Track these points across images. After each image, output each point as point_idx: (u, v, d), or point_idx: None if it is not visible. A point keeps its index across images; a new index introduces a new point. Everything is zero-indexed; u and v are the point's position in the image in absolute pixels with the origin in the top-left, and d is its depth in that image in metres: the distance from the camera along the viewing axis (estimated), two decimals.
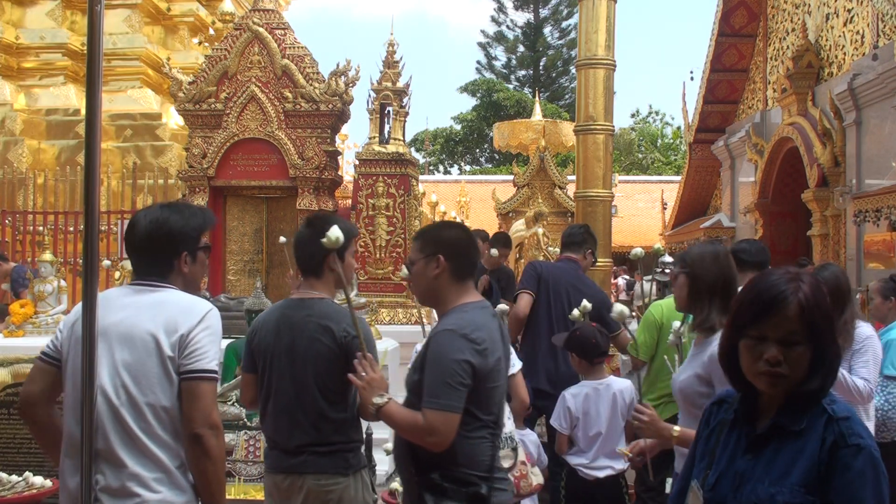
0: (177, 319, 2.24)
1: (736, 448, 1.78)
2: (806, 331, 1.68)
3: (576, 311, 4.27)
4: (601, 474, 3.88)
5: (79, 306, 2.28)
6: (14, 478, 4.30)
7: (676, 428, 2.74)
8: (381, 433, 5.22)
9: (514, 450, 3.45)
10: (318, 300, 2.86)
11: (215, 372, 2.27)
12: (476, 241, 2.81)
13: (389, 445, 3.67)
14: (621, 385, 4.00)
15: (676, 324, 4.31)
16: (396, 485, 4.68)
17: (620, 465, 3.89)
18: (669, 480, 3.86)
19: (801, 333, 1.68)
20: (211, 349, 2.26)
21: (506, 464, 3.30)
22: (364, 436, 4.37)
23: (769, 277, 1.76)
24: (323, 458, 2.77)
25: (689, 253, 3.06)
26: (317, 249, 2.77)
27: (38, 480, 4.29)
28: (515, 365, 3.62)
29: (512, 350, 3.54)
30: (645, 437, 2.87)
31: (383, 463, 5.43)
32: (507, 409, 3.52)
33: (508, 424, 3.47)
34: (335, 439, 2.79)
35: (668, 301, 4.91)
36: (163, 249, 2.36)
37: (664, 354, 4.53)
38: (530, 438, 3.95)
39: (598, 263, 6.22)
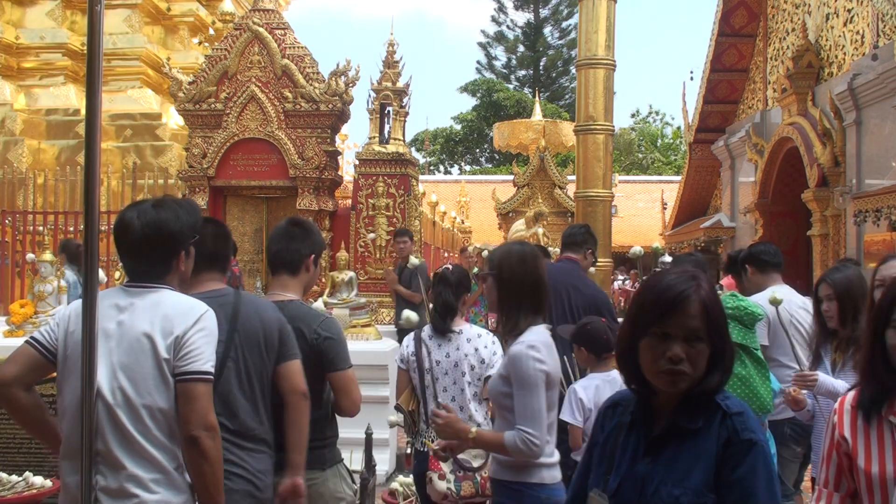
0: (172, 321, 2.23)
1: (636, 451, 1.76)
2: (707, 328, 1.70)
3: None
4: None
5: (76, 303, 2.28)
6: (14, 478, 4.31)
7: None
8: (381, 433, 5.22)
9: None
10: (287, 302, 2.86)
11: (211, 373, 2.26)
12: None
13: (393, 418, 3.73)
14: None
15: None
16: (396, 485, 4.68)
17: None
18: None
19: (702, 331, 1.70)
20: (206, 350, 2.25)
21: (476, 463, 3.34)
22: (364, 435, 4.39)
23: (667, 277, 1.77)
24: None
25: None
26: (302, 247, 2.86)
27: (38, 480, 4.30)
28: (497, 366, 3.61)
29: (498, 349, 3.55)
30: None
31: (383, 463, 5.43)
32: (482, 408, 3.55)
33: (481, 422, 3.49)
34: (311, 437, 2.79)
35: None
36: (163, 252, 2.35)
37: None
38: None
39: (598, 263, 6.22)
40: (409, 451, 3.68)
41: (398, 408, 3.58)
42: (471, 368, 3.52)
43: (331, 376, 2.85)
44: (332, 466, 2.90)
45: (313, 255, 2.96)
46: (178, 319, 2.24)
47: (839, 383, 3.21)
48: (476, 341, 3.56)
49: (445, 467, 3.36)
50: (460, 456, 3.33)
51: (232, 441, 2.52)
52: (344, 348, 2.87)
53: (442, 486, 3.34)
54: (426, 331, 3.60)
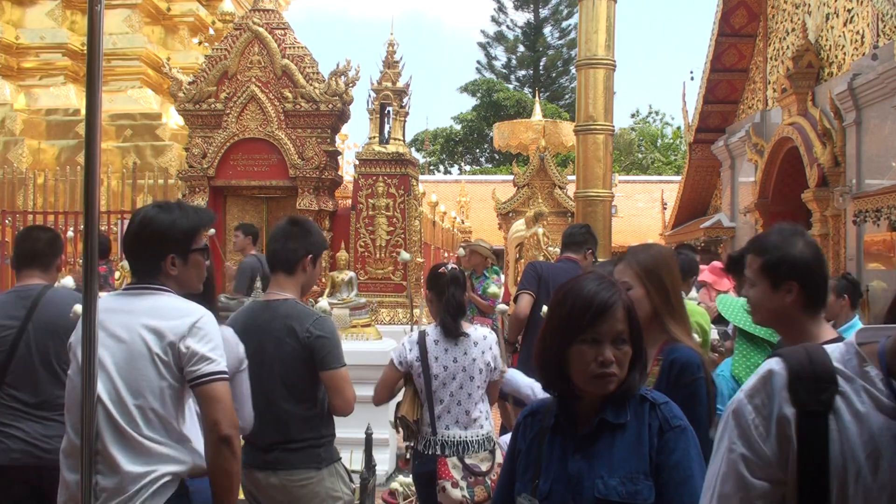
0: (169, 325, 2.23)
1: (564, 452, 1.82)
2: (629, 331, 1.79)
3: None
4: None
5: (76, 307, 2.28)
6: None
7: None
8: (381, 433, 5.22)
9: (492, 452, 3.44)
10: (282, 301, 2.89)
11: (227, 372, 2.27)
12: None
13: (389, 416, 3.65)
14: None
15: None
16: (396, 485, 4.69)
17: None
18: None
19: (626, 334, 1.79)
20: (215, 351, 2.25)
21: (483, 467, 3.35)
22: (364, 435, 4.39)
23: (589, 285, 1.83)
24: (293, 455, 2.83)
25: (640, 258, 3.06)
26: (299, 247, 2.88)
27: None
28: (500, 368, 3.58)
29: (497, 350, 3.54)
30: None
31: (383, 463, 5.43)
32: (485, 410, 3.51)
33: (486, 425, 3.47)
34: (306, 436, 2.84)
35: None
36: (147, 251, 2.33)
37: None
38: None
39: (597, 263, 6.22)
40: (407, 455, 3.63)
41: (402, 419, 3.47)
42: (479, 372, 3.45)
43: (323, 375, 2.85)
44: (328, 465, 2.89)
45: (311, 256, 2.95)
46: (174, 323, 2.24)
47: (523, 383, 3.15)
48: (482, 344, 3.49)
49: (456, 474, 3.33)
50: (468, 461, 3.35)
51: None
52: (337, 347, 2.88)
53: (457, 493, 3.31)
54: (431, 334, 3.48)
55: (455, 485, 3.32)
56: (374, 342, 6.15)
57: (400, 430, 3.56)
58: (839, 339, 2.25)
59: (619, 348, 1.78)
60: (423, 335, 3.49)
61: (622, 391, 1.80)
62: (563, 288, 1.88)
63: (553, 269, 5.20)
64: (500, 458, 3.44)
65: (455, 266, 3.66)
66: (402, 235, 8.20)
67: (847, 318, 4.66)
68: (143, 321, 2.24)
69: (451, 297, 3.47)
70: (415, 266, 8.04)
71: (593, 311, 1.78)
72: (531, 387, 3.23)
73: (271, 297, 2.91)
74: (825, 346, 1.29)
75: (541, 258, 10.16)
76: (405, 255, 6.45)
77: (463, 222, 20.63)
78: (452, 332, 3.44)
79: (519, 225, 12.52)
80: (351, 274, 6.71)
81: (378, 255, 8.22)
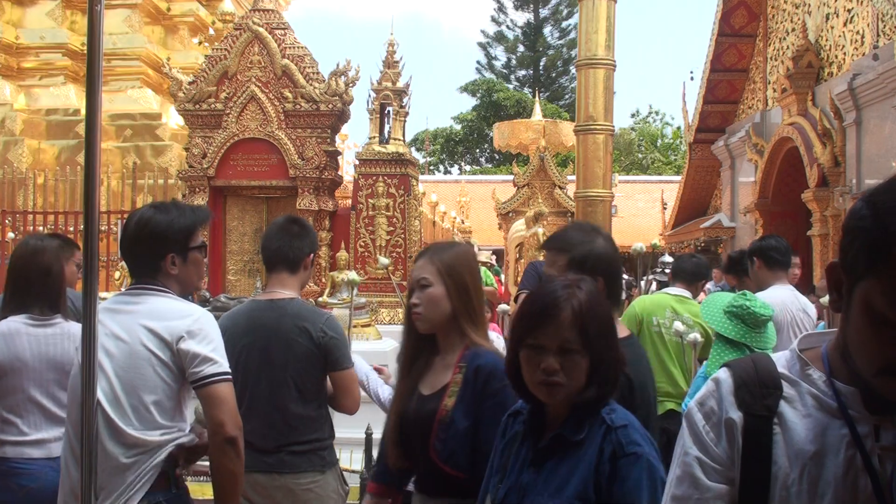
0: (168, 326, 2.24)
1: (524, 461, 1.76)
2: (581, 339, 1.67)
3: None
4: None
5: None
6: None
7: None
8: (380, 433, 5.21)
9: None
10: (288, 301, 2.86)
11: (230, 372, 2.27)
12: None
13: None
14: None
15: (678, 325, 4.34)
16: None
17: None
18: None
19: (575, 341, 1.66)
20: (216, 351, 2.26)
21: None
22: (364, 435, 4.39)
23: (548, 286, 1.76)
24: (299, 457, 2.80)
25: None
26: (304, 245, 2.88)
27: None
28: None
29: (501, 343, 3.57)
30: None
31: None
32: None
33: None
34: (311, 437, 2.82)
35: (652, 297, 4.92)
36: (146, 251, 2.34)
37: (647, 349, 4.55)
38: None
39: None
40: None
41: None
42: None
43: (334, 375, 2.85)
44: (331, 468, 2.89)
45: (312, 254, 2.97)
46: (173, 324, 2.24)
47: (361, 371, 3.09)
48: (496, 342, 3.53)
49: None
50: None
51: None
52: (347, 347, 2.90)
53: None
54: None
55: None
56: (374, 342, 6.15)
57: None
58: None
59: (566, 357, 1.67)
60: None
61: (581, 405, 1.70)
62: (536, 286, 1.83)
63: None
64: None
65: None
66: (402, 235, 8.20)
67: None
68: (143, 322, 2.24)
69: None
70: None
71: (536, 315, 1.70)
72: (367, 374, 3.12)
73: (275, 296, 2.88)
74: (771, 355, 1.32)
75: (541, 258, 10.16)
76: (383, 261, 6.35)
77: (463, 222, 20.63)
78: None
79: (519, 225, 12.52)
80: (352, 274, 6.71)
81: (378, 256, 8.22)
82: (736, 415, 1.24)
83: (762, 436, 1.22)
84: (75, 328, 2.98)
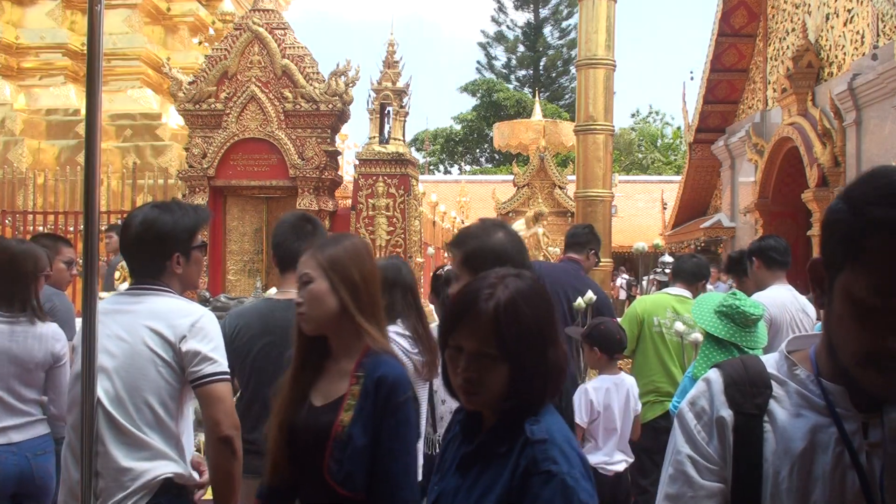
0: (170, 325, 2.24)
1: (454, 464, 1.66)
2: (498, 344, 1.51)
3: (580, 301, 4.31)
4: (620, 468, 3.93)
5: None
6: None
7: None
8: None
9: None
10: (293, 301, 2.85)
11: (228, 372, 2.28)
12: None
13: None
14: (631, 380, 4.06)
15: (679, 325, 4.34)
16: None
17: (630, 457, 3.96)
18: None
19: (492, 346, 1.51)
20: (216, 351, 2.27)
21: None
22: None
23: (475, 282, 1.62)
24: None
25: None
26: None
27: None
28: None
29: None
30: None
31: None
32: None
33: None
34: None
35: (653, 297, 4.93)
36: (153, 251, 2.35)
37: (647, 350, 4.55)
38: (627, 382, 3.97)
39: (598, 263, 6.23)
40: None
41: None
42: None
43: None
44: None
45: None
46: (175, 323, 2.25)
47: None
48: None
49: None
50: None
51: None
52: None
53: None
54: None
55: None
56: None
57: None
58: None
59: (481, 362, 1.52)
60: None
61: (510, 414, 1.56)
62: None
63: (551, 270, 5.20)
64: None
65: (451, 267, 3.67)
66: (402, 235, 8.20)
67: None
68: (145, 322, 2.25)
69: (445, 298, 3.51)
70: (415, 266, 8.04)
71: (456, 315, 1.57)
72: None
73: (281, 297, 2.86)
74: (760, 356, 1.33)
75: (541, 258, 10.17)
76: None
77: (463, 222, 20.63)
78: None
79: (519, 225, 12.53)
80: None
81: (378, 256, 8.22)
82: (727, 413, 1.25)
83: (753, 434, 1.23)
84: (44, 329, 3.13)
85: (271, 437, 2.05)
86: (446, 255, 15.45)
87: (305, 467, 2.01)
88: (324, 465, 1.95)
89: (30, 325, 3.12)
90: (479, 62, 43.75)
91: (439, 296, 3.58)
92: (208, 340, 2.25)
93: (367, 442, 1.95)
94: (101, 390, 2.19)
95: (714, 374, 1.31)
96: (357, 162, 8.57)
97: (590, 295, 4.33)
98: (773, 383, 1.26)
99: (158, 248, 2.34)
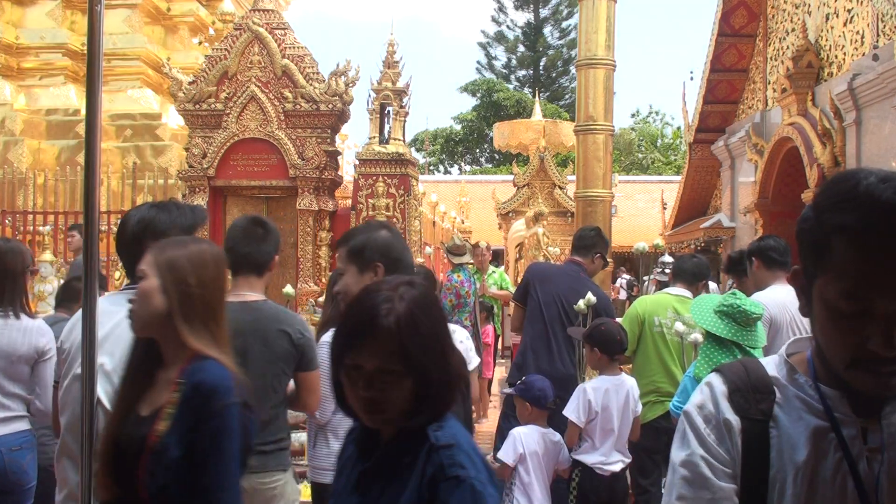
0: None
1: (353, 483, 1.58)
2: (402, 357, 1.46)
3: (581, 303, 4.34)
4: (616, 468, 3.94)
5: (76, 316, 2.29)
6: None
7: None
8: None
9: None
10: (262, 303, 2.89)
11: None
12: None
13: None
14: (631, 381, 4.06)
15: (679, 325, 4.34)
16: None
17: (627, 457, 3.97)
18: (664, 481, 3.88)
19: (395, 361, 1.45)
20: None
21: None
22: None
23: (367, 296, 1.53)
24: (266, 457, 2.82)
25: None
26: (271, 248, 2.91)
27: None
28: (472, 361, 3.74)
29: (469, 346, 3.69)
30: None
31: None
32: None
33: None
34: (277, 437, 2.88)
35: (653, 297, 4.93)
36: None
37: (648, 350, 4.55)
38: (552, 438, 3.97)
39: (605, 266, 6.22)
40: None
41: None
42: None
43: (305, 375, 2.90)
44: (290, 467, 2.96)
45: (277, 256, 3.01)
46: None
47: None
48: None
49: None
50: None
51: None
52: (315, 346, 2.98)
53: None
54: None
55: None
56: None
57: None
58: None
59: (385, 379, 1.46)
60: None
61: (405, 428, 1.50)
62: (357, 295, 1.60)
63: (549, 272, 5.22)
64: None
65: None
66: (402, 235, 8.20)
67: None
68: None
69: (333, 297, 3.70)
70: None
71: (352, 333, 1.49)
72: None
73: (246, 298, 2.87)
74: (760, 360, 1.32)
75: (541, 258, 10.17)
76: (289, 290, 5.98)
77: (463, 222, 20.64)
78: None
79: (519, 225, 12.54)
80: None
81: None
82: (733, 418, 1.25)
83: (759, 440, 1.23)
84: (28, 323, 3.21)
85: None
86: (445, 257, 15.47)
87: (126, 481, 1.87)
88: (138, 477, 1.84)
89: (14, 318, 3.17)
90: (479, 62, 43.81)
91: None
92: None
93: (183, 453, 1.83)
94: (102, 391, 2.18)
95: (716, 379, 1.30)
96: (357, 162, 8.57)
97: (590, 297, 4.35)
98: (775, 388, 1.26)
99: None
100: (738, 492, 1.24)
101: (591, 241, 4.96)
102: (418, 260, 8.16)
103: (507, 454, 3.84)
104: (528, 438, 3.87)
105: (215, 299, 2.02)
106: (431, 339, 1.51)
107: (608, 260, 5.33)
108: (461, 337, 3.68)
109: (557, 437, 3.97)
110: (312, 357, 2.91)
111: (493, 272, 7.61)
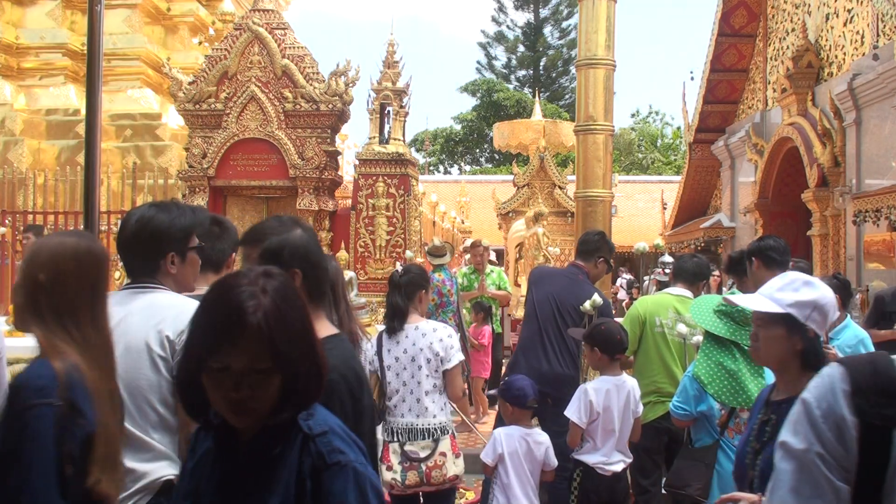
0: (167, 322, 2.24)
1: (219, 483, 1.50)
2: (271, 353, 1.40)
3: (587, 304, 4.37)
4: (618, 468, 3.94)
5: None
6: None
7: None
8: (378, 433, 5.21)
9: (436, 440, 3.68)
10: None
11: None
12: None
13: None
14: (633, 382, 4.06)
15: (681, 327, 4.34)
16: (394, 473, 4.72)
17: (629, 457, 3.97)
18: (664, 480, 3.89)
19: (265, 357, 1.40)
20: None
21: (422, 454, 3.62)
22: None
23: (228, 291, 1.45)
24: None
25: None
26: (227, 247, 2.93)
27: None
28: (453, 359, 3.77)
29: (451, 344, 3.75)
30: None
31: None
32: (441, 401, 3.75)
33: (440, 416, 3.72)
34: None
35: (654, 297, 4.93)
36: (147, 249, 2.34)
37: (649, 350, 4.55)
38: (536, 439, 3.97)
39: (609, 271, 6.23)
40: None
41: None
42: (427, 362, 3.71)
43: None
44: None
45: (234, 253, 3.01)
46: (172, 319, 2.24)
47: None
48: (431, 336, 3.73)
49: (394, 459, 3.64)
50: (408, 448, 3.64)
51: None
52: None
53: (387, 476, 3.62)
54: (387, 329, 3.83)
55: (389, 468, 3.63)
56: (373, 342, 6.14)
57: None
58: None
59: (255, 378, 1.40)
60: (381, 333, 3.83)
61: (273, 423, 1.45)
62: (210, 290, 1.51)
63: (544, 273, 5.26)
64: (442, 448, 3.69)
65: (399, 269, 4.00)
66: (402, 235, 8.20)
67: (840, 318, 4.67)
68: (142, 319, 2.24)
69: (387, 298, 3.85)
70: None
71: (218, 334, 1.41)
72: None
73: (202, 293, 2.89)
74: (891, 357, 1.27)
75: (541, 258, 10.16)
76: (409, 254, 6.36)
77: (463, 222, 20.64)
78: (389, 330, 3.78)
79: (519, 225, 12.52)
80: (351, 274, 6.73)
81: (378, 255, 8.23)
82: (851, 419, 1.22)
83: (880, 442, 1.20)
84: None
85: None
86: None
87: None
88: None
89: None
90: (479, 62, 43.80)
91: (388, 297, 3.82)
92: None
93: None
94: None
95: (838, 374, 1.25)
96: (357, 162, 8.57)
97: (596, 298, 4.37)
98: None
99: (153, 247, 2.33)
100: (853, 486, 1.22)
101: (594, 246, 4.95)
102: (418, 260, 8.16)
103: (486, 454, 3.87)
104: (508, 439, 3.88)
105: (72, 296, 1.88)
106: (299, 331, 1.46)
107: (611, 264, 5.33)
108: (445, 333, 3.76)
109: (543, 437, 3.97)
110: None
111: (492, 271, 7.59)
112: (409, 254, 6.69)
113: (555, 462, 3.96)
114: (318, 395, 1.50)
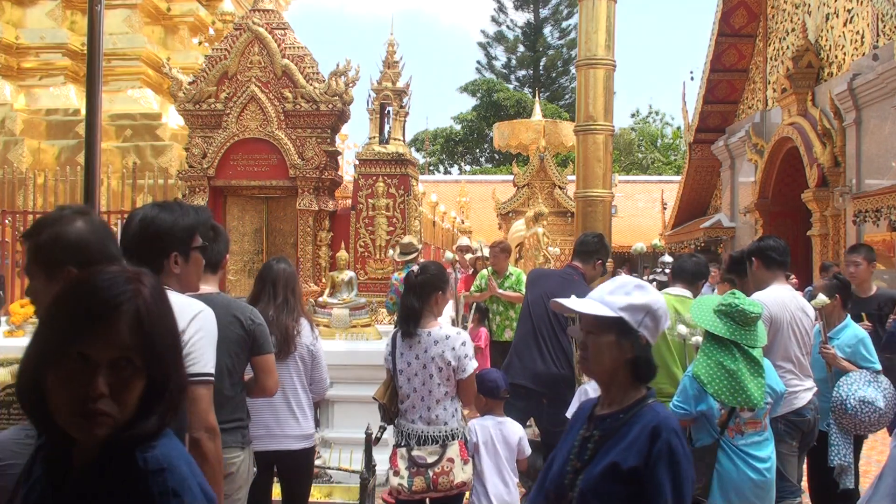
0: None
1: None
2: (143, 351, 1.23)
3: (640, 245, 4.43)
4: None
5: None
6: None
7: None
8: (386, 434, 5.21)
9: (443, 446, 3.61)
10: (214, 295, 3.00)
11: (211, 374, 2.27)
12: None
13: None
14: None
15: (682, 327, 4.34)
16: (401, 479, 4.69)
17: None
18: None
19: (137, 355, 1.23)
20: (206, 352, 2.26)
21: (429, 459, 3.57)
22: (364, 435, 4.39)
23: (101, 275, 1.27)
24: (224, 434, 2.85)
25: None
26: (222, 249, 3.07)
27: None
28: (468, 368, 3.66)
29: (467, 352, 3.62)
30: None
31: (383, 463, 5.43)
32: (453, 408, 3.64)
33: (451, 423, 3.63)
34: (235, 416, 2.98)
35: None
36: (151, 249, 2.34)
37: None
38: (510, 428, 4.07)
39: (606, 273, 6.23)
40: (376, 434, 4.01)
41: (377, 401, 3.80)
42: (439, 371, 3.58)
43: (260, 359, 3.07)
44: (248, 445, 3.09)
45: (227, 255, 3.20)
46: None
47: None
48: (443, 344, 3.58)
49: (402, 464, 3.59)
50: (415, 453, 3.58)
51: None
52: (268, 334, 3.15)
53: (394, 481, 3.60)
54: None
55: (396, 473, 3.59)
56: (373, 342, 6.15)
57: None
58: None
59: (119, 376, 1.21)
60: (395, 333, 3.76)
61: (125, 440, 1.25)
62: (71, 281, 1.33)
63: (540, 274, 5.30)
64: (450, 454, 3.62)
65: (415, 269, 3.92)
66: (402, 235, 8.20)
67: (840, 318, 4.68)
68: None
69: (402, 300, 3.79)
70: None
71: (85, 316, 1.21)
72: None
73: (202, 292, 2.89)
74: None
75: (540, 258, 10.16)
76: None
77: (463, 222, 20.64)
78: (404, 333, 3.68)
79: (519, 225, 12.52)
80: (351, 274, 6.72)
81: (378, 256, 8.22)
82: None
83: None
84: None
85: None
86: (444, 257, 15.46)
87: None
88: None
89: None
90: (479, 62, 43.84)
91: (403, 299, 3.79)
92: (200, 337, 2.25)
93: None
94: None
95: None
96: (357, 162, 8.56)
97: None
98: None
99: (156, 246, 2.33)
100: None
101: (593, 248, 4.96)
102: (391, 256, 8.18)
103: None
104: (482, 429, 4.01)
105: None
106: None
107: (606, 267, 5.35)
108: (458, 342, 3.59)
109: (516, 426, 4.08)
110: (265, 342, 3.06)
111: (511, 274, 7.51)
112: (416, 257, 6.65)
113: (528, 450, 4.06)
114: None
